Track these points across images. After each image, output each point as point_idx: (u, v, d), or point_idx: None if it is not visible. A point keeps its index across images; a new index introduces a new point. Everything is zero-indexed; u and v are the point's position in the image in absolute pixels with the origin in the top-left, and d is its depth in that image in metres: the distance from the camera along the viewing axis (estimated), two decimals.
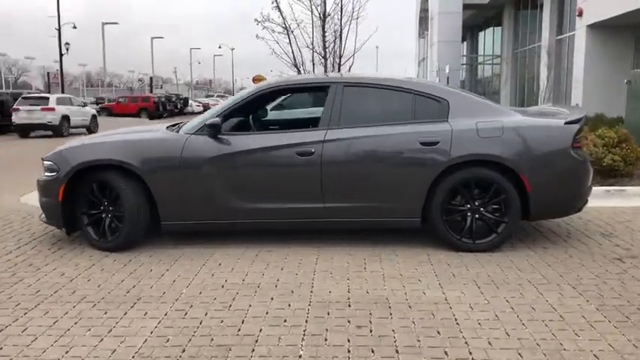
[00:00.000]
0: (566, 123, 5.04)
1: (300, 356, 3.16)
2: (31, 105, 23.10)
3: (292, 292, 4.15)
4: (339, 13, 9.86)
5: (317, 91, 5.29)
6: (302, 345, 3.28)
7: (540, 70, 19.29)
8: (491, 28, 29.60)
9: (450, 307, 3.82)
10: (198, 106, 51.32)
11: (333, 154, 5.03)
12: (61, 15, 36.34)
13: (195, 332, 3.47)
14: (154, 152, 5.17)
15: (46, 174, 5.31)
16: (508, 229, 5.03)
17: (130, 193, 5.10)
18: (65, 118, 23.49)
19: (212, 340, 3.36)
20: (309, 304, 3.90)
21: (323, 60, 10.03)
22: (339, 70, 10.36)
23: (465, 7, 25.66)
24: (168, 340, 3.35)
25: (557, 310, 3.76)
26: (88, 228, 5.27)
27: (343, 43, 9.99)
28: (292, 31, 9.38)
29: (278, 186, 5.12)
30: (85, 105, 26.62)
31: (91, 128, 25.53)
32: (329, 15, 9.69)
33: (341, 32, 9.70)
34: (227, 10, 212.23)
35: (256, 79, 39.25)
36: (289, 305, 3.89)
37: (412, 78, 6.22)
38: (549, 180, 5.03)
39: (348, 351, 3.20)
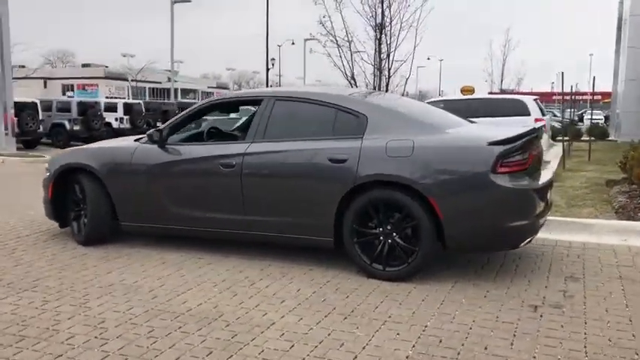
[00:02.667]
0: (490, 144, 4.43)
1: None
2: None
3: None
4: (393, 25, 9.53)
5: (253, 105, 5.38)
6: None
7: None
8: None
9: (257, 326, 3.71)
10: None
11: (252, 168, 5.09)
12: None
13: None
14: (112, 158, 5.76)
15: (45, 174, 6.22)
16: (419, 258, 4.58)
17: (91, 193, 5.75)
18: None
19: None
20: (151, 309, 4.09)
21: (378, 72, 9.79)
22: (386, 82, 10.02)
23: None
24: None
25: None
26: (72, 223, 6.03)
27: (391, 55, 9.62)
28: (345, 44, 9.32)
29: (207, 196, 5.33)
30: None
31: None
32: (385, 27, 9.41)
33: (381, 43, 9.32)
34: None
35: (465, 90, 38.59)
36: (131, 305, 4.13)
37: (345, 91, 5.91)
38: (466, 208, 4.48)
39: None
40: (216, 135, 5.82)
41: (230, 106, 6.17)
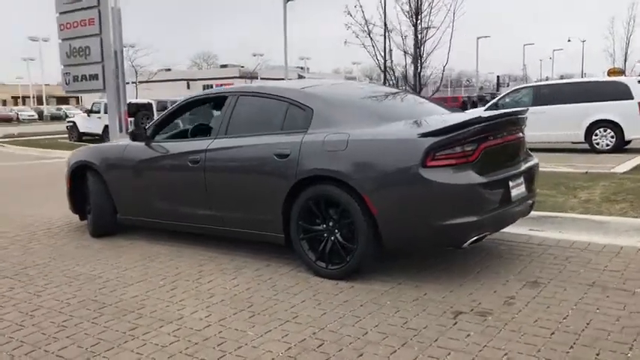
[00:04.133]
0: (421, 135, 4.09)
1: None
2: None
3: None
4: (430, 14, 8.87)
5: (222, 101, 5.40)
6: None
7: None
8: None
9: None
10: None
11: (212, 163, 5.17)
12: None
13: None
14: (109, 155, 6.13)
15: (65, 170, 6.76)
16: (356, 257, 4.37)
17: (94, 188, 6.17)
18: None
19: None
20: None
21: (414, 61, 9.20)
22: (417, 71, 9.34)
23: None
24: None
25: None
26: (87, 215, 6.52)
27: (424, 41, 8.89)
28: (377, 33, 8.85)
29: (181, 191, 5.50)
30: None
31: None
32: (421, 13, 8.78)
33: (417, 31, 8.65)
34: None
35: (612, 72, 35.91)
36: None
37: (301, 83, 5.68)
38: (398, 205, 4.19)
39: None
40: (201, 132, 5.95)
41: (206, 102, 6.28)
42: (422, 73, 8.93)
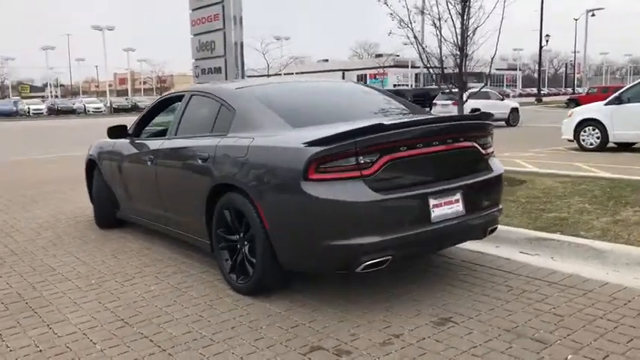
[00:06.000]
0: (306, 144, 3.61)
1: None
2: (446, 99, 25.25)
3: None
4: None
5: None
6: None
7: None
8: None
9: None
10: None
11: (158, 164, 5.10)
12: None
13: None
14: (104, 151, 6.31)
15: None
16: (257, 272, 4.02)
17: (95, 181, 6.42)
18: (475, 111, 24.60)
19: None
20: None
21: (459, 52, 8.04)
22: (460, 64, 8.10)
23: None
24: None
25: None
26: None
27: (474, 33, 7.60)
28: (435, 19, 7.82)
29: (142, 190, 5.52)
30: (503, 99, 26.99)
31: (510, 121, 25.84)
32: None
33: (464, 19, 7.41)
34: None
35: None
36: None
37: (240, 83, 5.19)
38: (285, 219, 3.78)
39: None
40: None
41: (174, 101, 6.16)
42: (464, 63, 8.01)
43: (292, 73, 73.55)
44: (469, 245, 5.04)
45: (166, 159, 5.02)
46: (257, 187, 3.91)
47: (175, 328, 3.67)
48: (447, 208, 3.84)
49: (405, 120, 3.79)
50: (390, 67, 79.45)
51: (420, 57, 8.22)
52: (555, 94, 69.81)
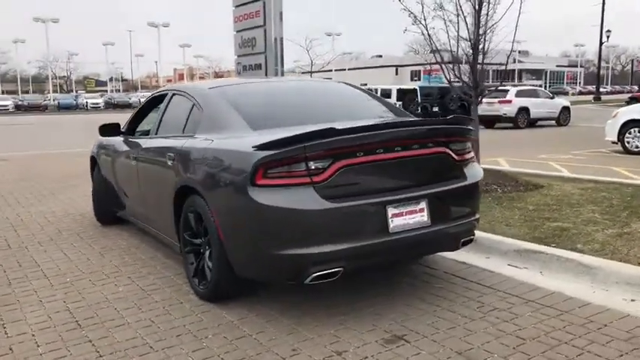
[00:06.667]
0: (255, 148, 3.45)
1: None
2: (492, 97, 24.49)
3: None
4: None
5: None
6: None
7: None
8: None
9: None
10: None
11: (139, 163, 5.08)
12: None
13: None
14: (102, 146, 6.34)
15: None
16: (213, 278, 3.91)
17: (95, 177, 6.48)
18: (523, 110, 23.80)
19: None
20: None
21: (471, 50, 7.56)
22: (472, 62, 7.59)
23: None
24: None
25: None
26: None
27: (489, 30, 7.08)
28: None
29: (128, 188, 5.50)
30: (553, 97, 25.93)
31: (560, 120, 24.88)
32: None
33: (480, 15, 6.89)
34: None
35: None
36: None
37: (218, 82, 5.05)
38: (235, 226, 3.65)
39: None
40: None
41: (161, 100, 6.08)
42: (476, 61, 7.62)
43: (345, 69, 73.30)
44: (457, 255, 4.79)
45: (145, 158, 4.98)
46: (211, 190, 3.80)
47: (123, 333, 3.60)
48: (408, 217, 3.61)
49: (363, 124, 3.57)
50: (448, 62, 77.86)
51: (434, 53, 7.88)
52: (618, 92, 66.84)
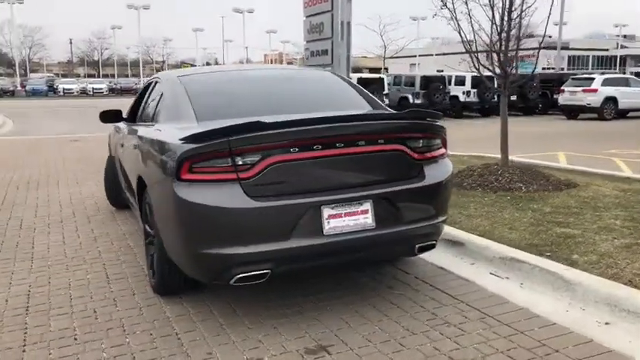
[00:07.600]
0: (182, 140, 3.29)
1: None
2: (575, 86, 22.97)
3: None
4: None
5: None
6: None
7: None
8: None
9: None
10: None
11: (123, 150, 5.08)
12: None
13: None
14: (112, 131, 6.45)
15: None
16: (157, 272, 3.84)
17: (108, 160, 6.62)
18: (610, 99, 22.19)
19: None
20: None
21: (499, 43, 6.79)
22: (499, 55, 6.78)
23: None
24: None
25: None
26: None
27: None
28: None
29: (120, 174, 5.54)
30: None
31: None
32: None
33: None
34: None
35: None
36: None
37: (191, 70, 4.81)
38: (164, 220, 3.55)
39: None
40: None
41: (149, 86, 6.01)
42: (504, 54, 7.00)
43: (432, 55, 71.38)
44: (439, 260, 4.49)
45: (125, 145, 5.00)
46: (150, 183, 3.72)
47: (60, 322, 3.61)
48: (348, 219, 3.35)
49: (298, 118, 3.32)
50: (544, 48, 73.89)
51: (462, 38, 7.37)
52: None
